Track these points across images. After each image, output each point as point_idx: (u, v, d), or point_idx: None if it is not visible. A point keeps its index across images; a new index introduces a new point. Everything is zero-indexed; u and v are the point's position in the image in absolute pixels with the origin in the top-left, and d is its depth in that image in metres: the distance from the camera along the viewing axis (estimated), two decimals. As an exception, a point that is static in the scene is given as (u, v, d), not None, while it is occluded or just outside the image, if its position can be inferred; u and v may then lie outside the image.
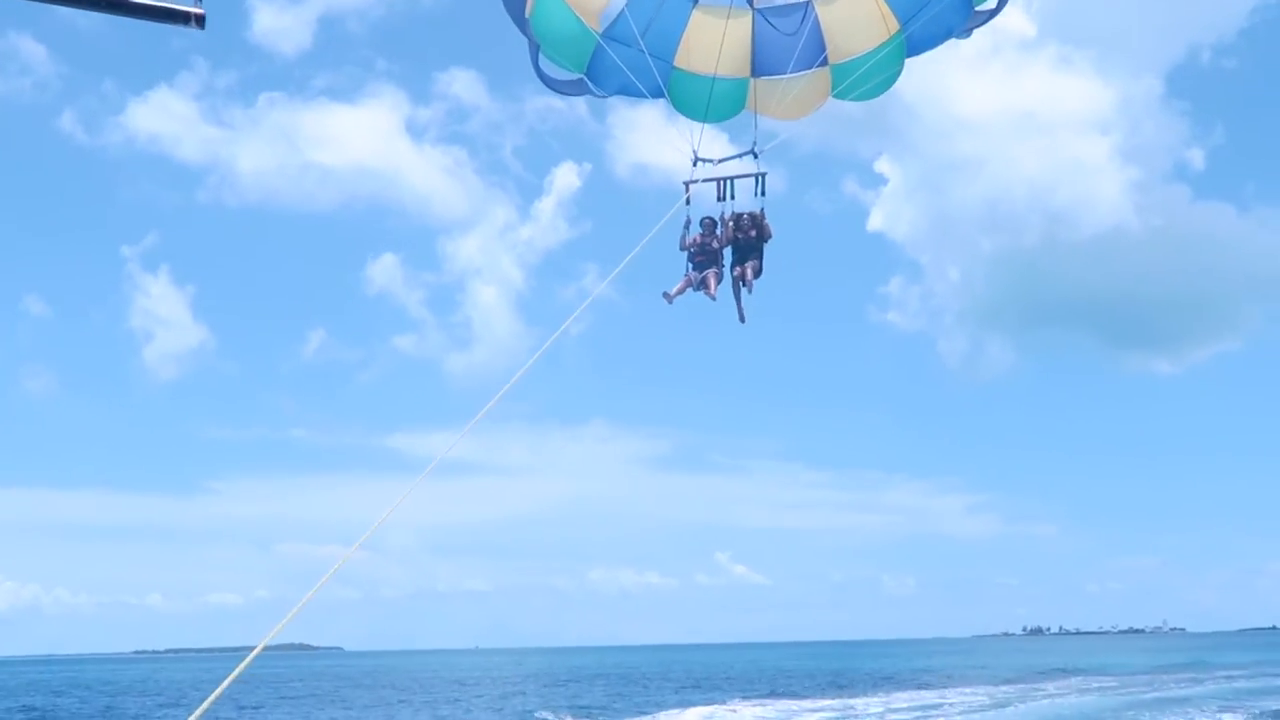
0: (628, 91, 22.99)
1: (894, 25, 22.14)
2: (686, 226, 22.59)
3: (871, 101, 22.67)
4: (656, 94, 23.00)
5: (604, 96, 23.08)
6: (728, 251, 22.70)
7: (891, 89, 22.81)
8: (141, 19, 8.90)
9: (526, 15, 22.15)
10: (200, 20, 9.00)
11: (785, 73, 22.73)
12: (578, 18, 22.22)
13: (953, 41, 22.03)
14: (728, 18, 22.81)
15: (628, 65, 22.56)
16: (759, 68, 22.96)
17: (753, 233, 22.46)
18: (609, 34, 22.36)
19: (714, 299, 22.24)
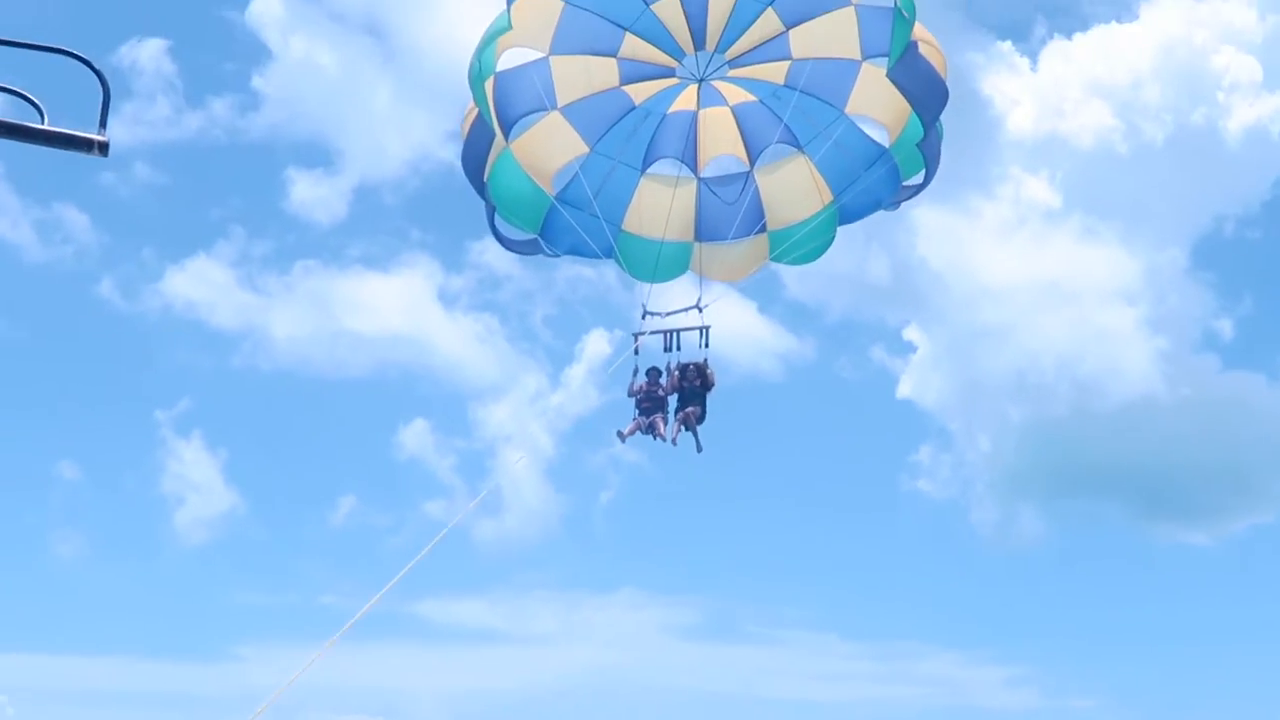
0: (579, 251, 24.39)
1: (828, 196, 23.75)
2: (634, 374, 23.74)
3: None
4: (607, 254, 24.40)
5: (555, 255, 24.46)
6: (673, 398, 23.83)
7: (827, 254, 24.34)
8: (45, 146, 8.92)
9: (485, 179, 23.67)
10: (104, 148, 8.98)
11: (727, 239, 24.18)
12: (532, 181, 23.75)
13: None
14: (675, 186, 24.36)
15: (580, 226, 24.01)
16: (702, 233, 24.41)
17: (698, 381, 23.60)
18: (561, 197, 23.84)
19: (666, 440, 23.30)
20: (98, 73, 9.21)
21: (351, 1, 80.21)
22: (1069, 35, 74.50)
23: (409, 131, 77.02)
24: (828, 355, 71.50)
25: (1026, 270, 69.74)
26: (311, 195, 74.58)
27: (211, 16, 78.92)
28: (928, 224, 68.39)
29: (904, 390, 67.12)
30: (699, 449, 23.56)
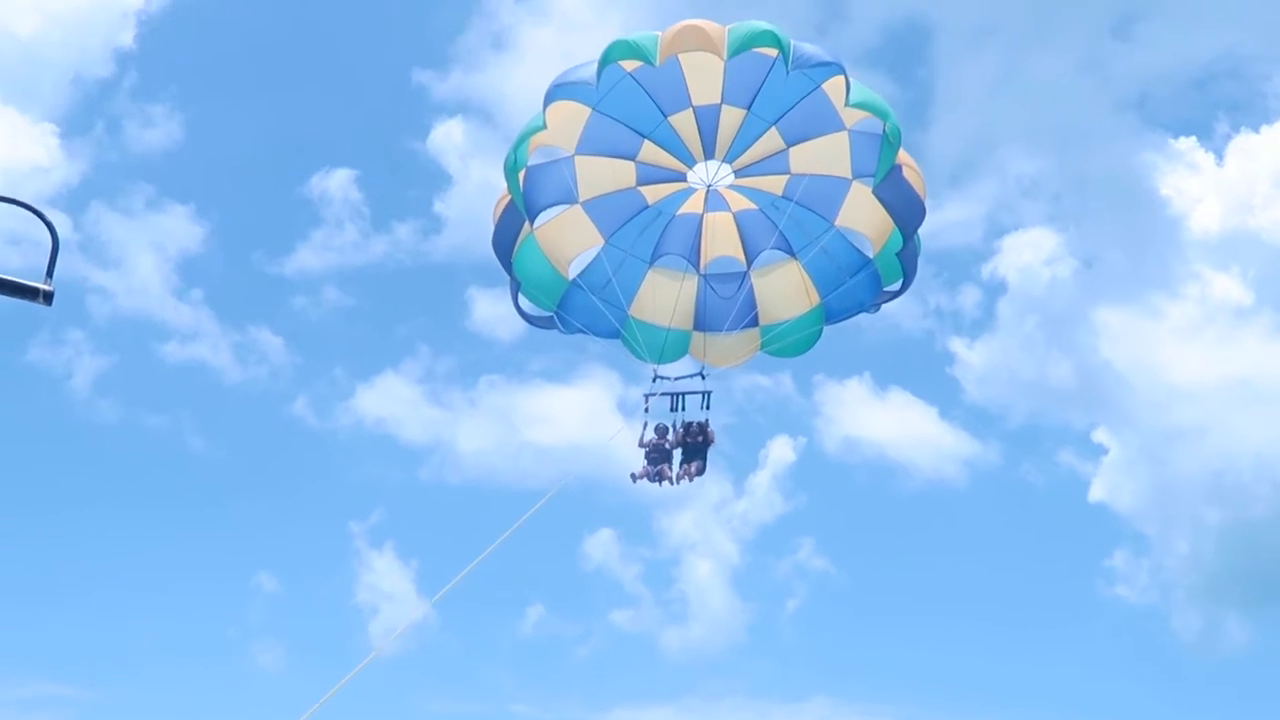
0: (590, 330, 27.10)
1: (815, 298, 26.56)
2: (644, 429, 26.48)
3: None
4: (613, 336, 27.14)
5: (568, 333, 27.16)
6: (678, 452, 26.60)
7: (817, 346, 27.11)
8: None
9: (512, 260, 26.49)
10: (49, 297, 9.01)
11: (723, 330, 26.93)
12: (553, 266, 26.58)
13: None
14: (680, 280, 27.16)
15: (591, 310, 26.78)
16: (701, 323, 27.17)
17: (699, 438, 26.32)
18: (578, 281, 26.64)
19: (674, 483, 25.96)
20: (49, 225, 9.34)
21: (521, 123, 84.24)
22: (1255, 129, 74.59)
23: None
24: (1013, 459, 70.93)
25: (1216, 369, 67.06)
26: (493, 313, 77.33)
27: (395, 146, 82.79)
28: (1110, 325, 69.59)
29: (1096, 494, 65.77)
30: (695, 476, 26.35)
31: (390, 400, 74.75)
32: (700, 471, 26.17)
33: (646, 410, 26.60)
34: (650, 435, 26.45)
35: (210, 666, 69.96)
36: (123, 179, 76.83)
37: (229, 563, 72.25)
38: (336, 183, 76.10)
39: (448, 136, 78.28)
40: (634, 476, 26.22)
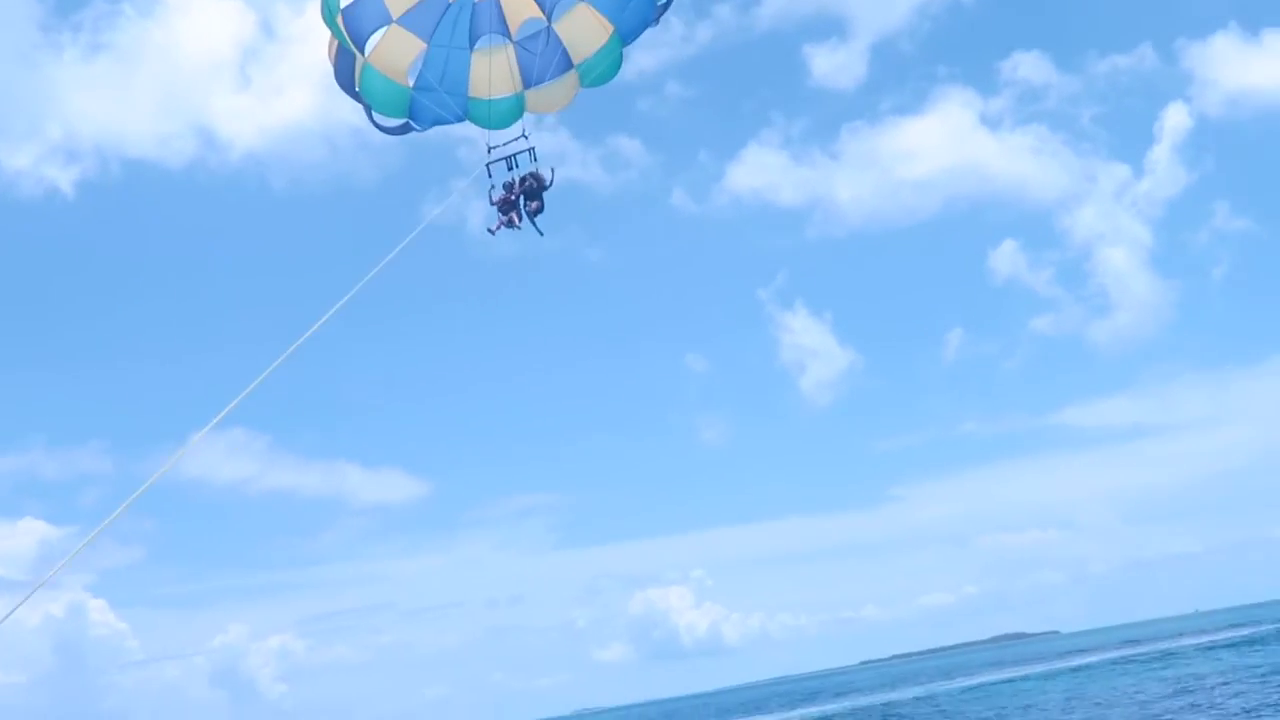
0: (440, 122, 32.16)
1: (610, 26, 31.47)
2: (491, 189, 32.15)
3: None
4: (461, 119, 32.21)
5: (423, 130, 32.19)
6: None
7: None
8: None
9: (356, 88, 31.26)
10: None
11: (546, 80, 32.00)
12: (392, 81, 31.38)
13: None
14: (502, 53, 32.01)
15: (437, 104, 31.75)
16: (527, 82, 32.17)
17: (535, 184, 31.95)
18: (416, 86, 31.49)
19: (518, 227, 31.68)
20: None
21: None
22: None
23: None
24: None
25: None
26: (831, 65, 79.25)
27: None
28: None
29: None
30: (540, 234, 32.39)
31: (760, 170, 78.94)
32: (540, 209, 32.05)
33: (490, 175, 32.16)
34: (499, 193, 32.08)
35: (664, 445, 75.90)
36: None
37: (657, 351, 77.04)
38: None
39: None
40: (490, 230, 31.94)
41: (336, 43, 30.57)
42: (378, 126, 32.01)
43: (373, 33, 30.67)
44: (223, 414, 24.46)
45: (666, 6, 31.20)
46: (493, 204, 32.06)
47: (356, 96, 31.31)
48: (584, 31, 31.66)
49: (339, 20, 29.89)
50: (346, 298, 27.31)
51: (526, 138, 32.00)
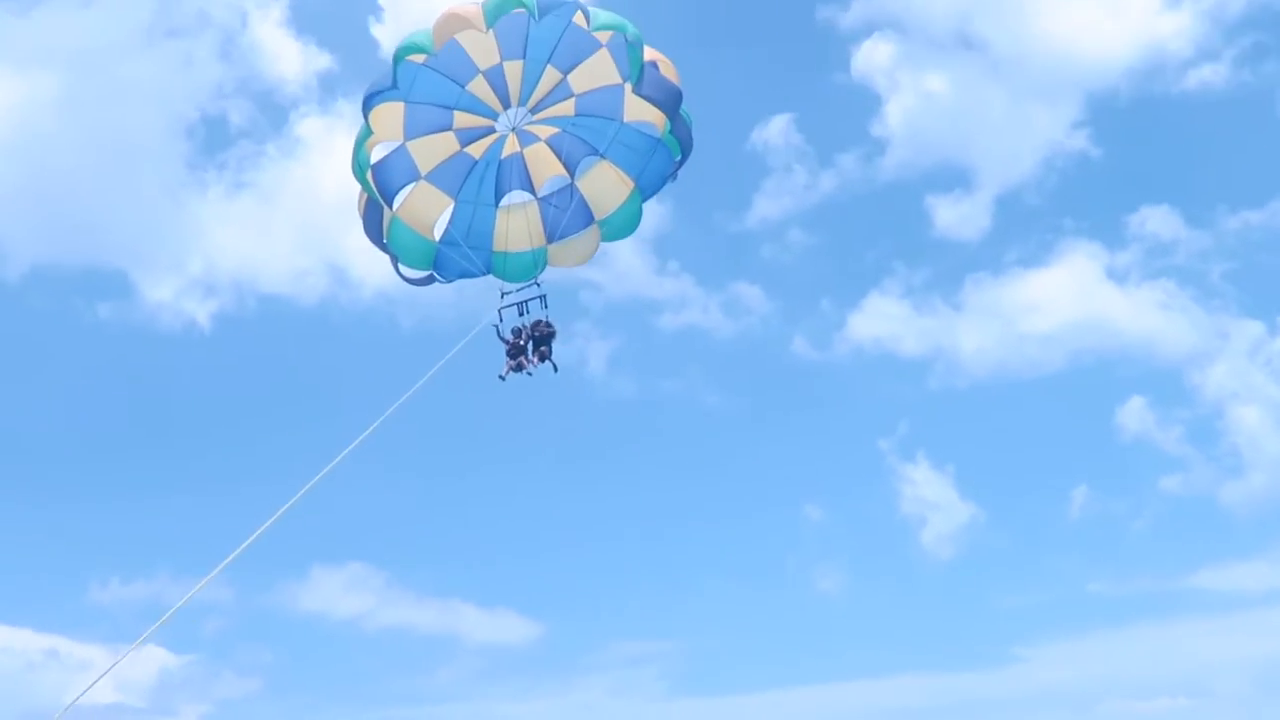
0: (466, 275, 32.98)
1: (630, 183, 32.45)
2: (499, 333, 32.95)
3: None
4: (487, 272, 33.06)
5: (447, 282, 33.01)
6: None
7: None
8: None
9: (384, 240, 32.24)
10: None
11: (569, 236, 32.93)
12: (419, 234, 32.32)
13: None
14: (525, 209, 33.05)
15: (462, 259, 32.66)
16: (551, 236, 33.06)
17: (545, 330, 32.98)
18: (443, 240, 32.43)
19: (530, 373, 32.27)
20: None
21: (943, 25, 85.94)
22: None
23: (1033, 131, 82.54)
24: None
25: None
26: (955, 216, 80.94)
27: (822, 82, 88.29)
28: None
29: None
30: (555, 370, 33.05)
31: (882, 319, 78.62)
32: (547, 355, 32.83)
33: (501, 321, 32.98)
34: (509, 337, 32.86)
35: (776, 598, 73.99)
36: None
37: (774, 498, 75.99)
38: (776, 129, 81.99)
39: (871, 58, 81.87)
40: (501, 376, 32.66)
41: (366, 196, 31.64)
42: (404, 278, 32.85)
43: (401, 188, 31.74)
44: (241, 549, 24.64)
45: (683, 162, 32.20)
46: (504, 341, 32.83)
47: (384, 248, 32.22)
48: (606, 187, 32.66)
49: (369, 176, 31.01)
50: (360, 438, 27.70)
51: (539, 284, 32.85)
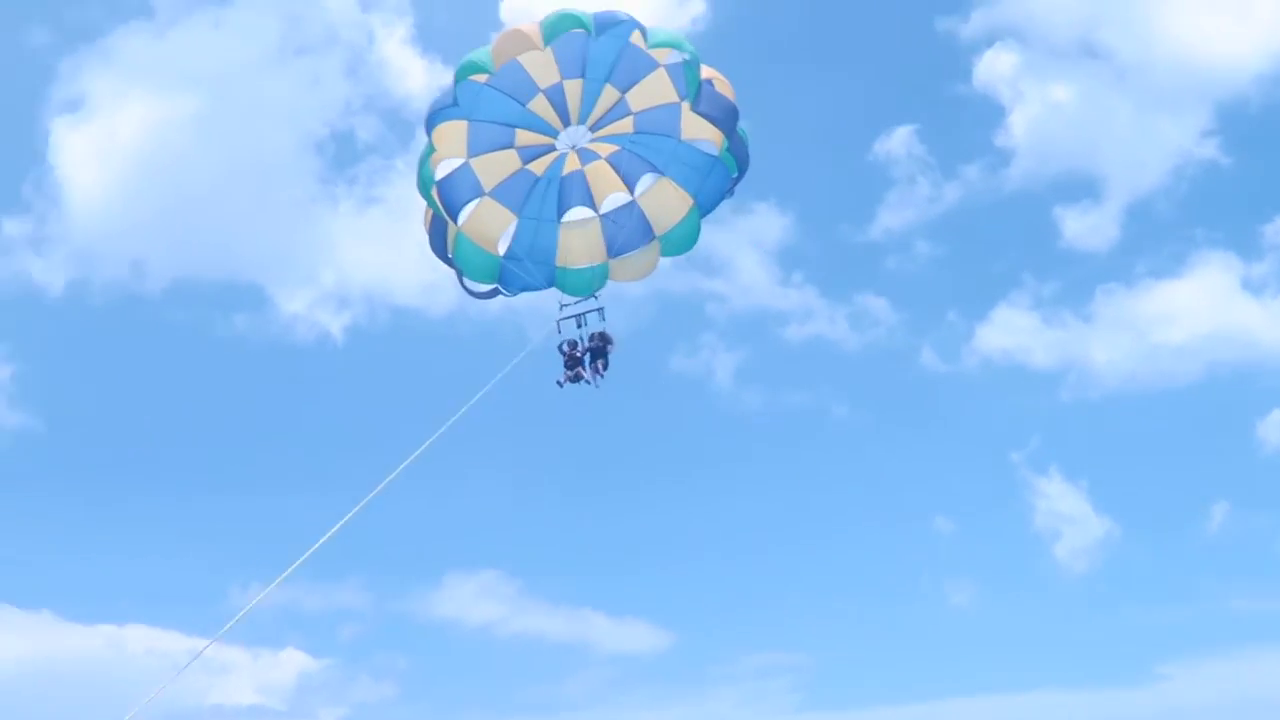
0: (529, 288, 33.74)
1: (689, 199, 32.98)
2: (560, 344, 33.91)
3: None
4: (548, 287, 33.80)
5: (510, 295, 33.81)
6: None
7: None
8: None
9: (449, 255, 33.14)
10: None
11: (630, 251, 33.55)
12: (484, 249, 33.16)
13: None
14: (587, 226, 33.75)
15: (526, 272, 33.45)
16: (612, 252, 33.70)
17: (602, 343, 33.80)
18: (507, 255, 33.23)
19: (589, 383, 32.93)
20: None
21: (1066, 33, 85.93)
22: None
23: (1161, 140, 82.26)
24: None
25: None
26: (1083, 226, 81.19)
27: (944, 92, 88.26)
28: None
29: None
30: (596, 387, 34.01)
31: (1011, 331, 78.72)
32: (605, 367, 33.82)
33: (560, 331, 33.92)
34: (566, 348, 33.80)
35: (907, 612, 74.56)
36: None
37: (905, 511, 77.04)
38: (899, 141, 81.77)
39: (992, 68, 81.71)
40: (559, 383, 33.62)
41: (431, 212, 32.58)
42: (468, 291, 33.69)
43: (466, 204, 32.62)
44: (317, 550, 25.47)
45: (740, 178, 32.67)
46: (562, 353, 33.62)
47: (449, 262, 33.12)
48: (666, 203, 33.22)
49: (434, 192, 31.94)
50: (423, 445, 28.44)
51: (596, 298, 33.59)
